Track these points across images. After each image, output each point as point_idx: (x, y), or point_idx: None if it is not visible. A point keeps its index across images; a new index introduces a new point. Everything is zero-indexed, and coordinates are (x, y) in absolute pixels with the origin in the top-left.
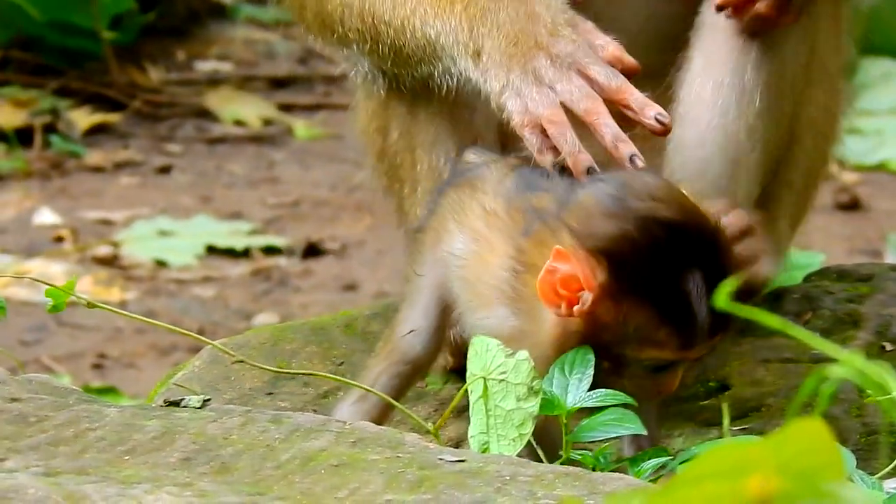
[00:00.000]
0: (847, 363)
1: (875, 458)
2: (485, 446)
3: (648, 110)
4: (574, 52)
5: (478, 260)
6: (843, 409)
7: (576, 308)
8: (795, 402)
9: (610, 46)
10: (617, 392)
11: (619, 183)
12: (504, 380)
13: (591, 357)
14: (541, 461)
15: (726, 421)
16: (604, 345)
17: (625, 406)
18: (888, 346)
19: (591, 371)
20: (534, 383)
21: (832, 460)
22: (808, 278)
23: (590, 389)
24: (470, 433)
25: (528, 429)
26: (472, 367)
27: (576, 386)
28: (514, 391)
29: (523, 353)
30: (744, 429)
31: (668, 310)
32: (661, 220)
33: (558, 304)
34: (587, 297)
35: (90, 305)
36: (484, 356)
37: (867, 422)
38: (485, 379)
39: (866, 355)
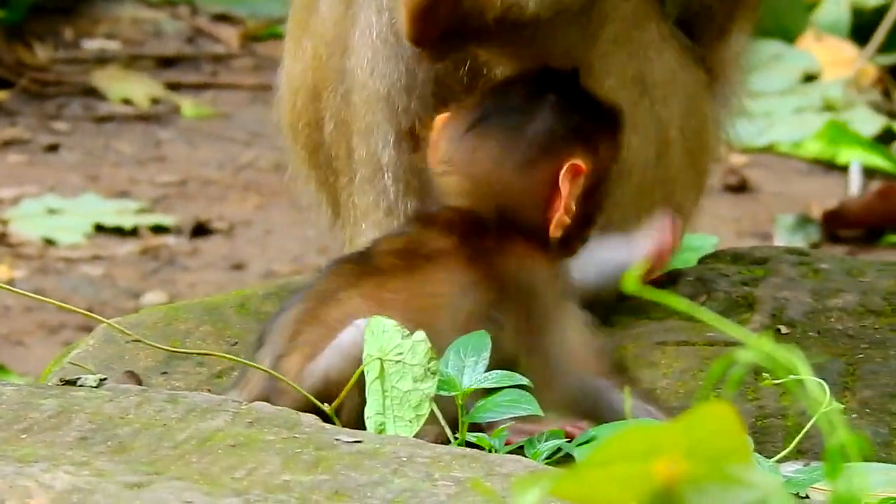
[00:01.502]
0: (755, 346)
1: (771, 442)
2: (381, 427)
3: None
4: None
5: None
6: (738, 393)
7: (572, 202)
8: (704, 385)
9: None
10: (513, 373)
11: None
12: (401, 361)
13: (488, 340)
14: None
15: (628, 404)
16: (589, 217)
17: (521, 387)
18: (783, 329)
19: (487, 354)
20: (430, 364)
21: (738, 444)
22: (702, 261)
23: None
24: (367, 414)
25: (425, 410)
26: (369, 347)
27: (472, 368)
28: (411, 372)
29: (420, 334)
30: None
31: (606, 124)
32: (548, 79)
33: (563, 224)
34: (580, 182)
35: None
36: (380, 337)
37: (762, 405)
38: (381, 360)
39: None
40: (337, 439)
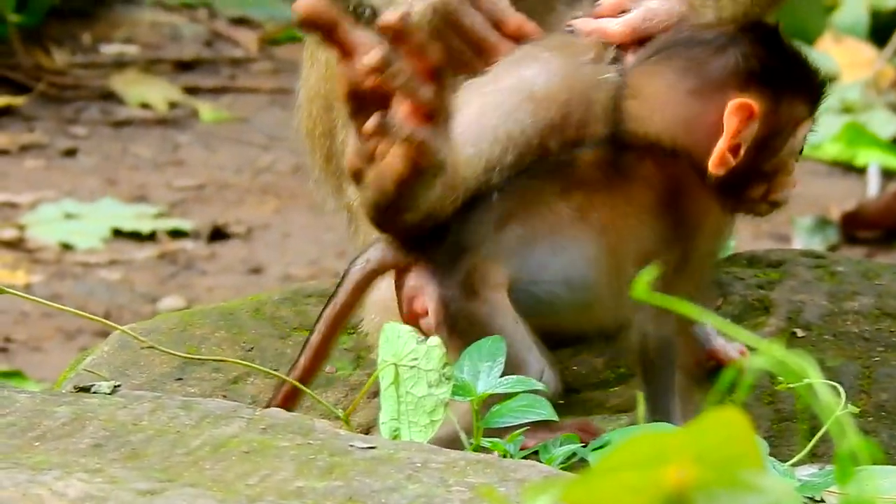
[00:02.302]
0: (766, 352)
1: (787, 446)
2: (396, 433)
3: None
4: None
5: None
6: (754, 397)
7: (741, 146)
8: (714, 391)
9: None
10: (528, 379)
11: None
12: (415, 366)
13: (503, 345)
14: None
15: (640, 408)
16: (755, 168)
17: (536, 392)
18: (799, 333)
19: (502, 359)
20: (445, 370)
21: (750, 449)
22: (718, 264)
23: None
24: (381, 420)
25: (440, 416)
26: (384, 353)
27: (487, 373)
28: (426, 378)
29: (434, 339)
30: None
31: (800, 84)
32: (747, 28)
33: (728, 162)
34: (751, 129)
35: None
36: (395, 342)
37: (779, 408)
38: (396, 365)
39: (778, 342)
40: (351, 445)
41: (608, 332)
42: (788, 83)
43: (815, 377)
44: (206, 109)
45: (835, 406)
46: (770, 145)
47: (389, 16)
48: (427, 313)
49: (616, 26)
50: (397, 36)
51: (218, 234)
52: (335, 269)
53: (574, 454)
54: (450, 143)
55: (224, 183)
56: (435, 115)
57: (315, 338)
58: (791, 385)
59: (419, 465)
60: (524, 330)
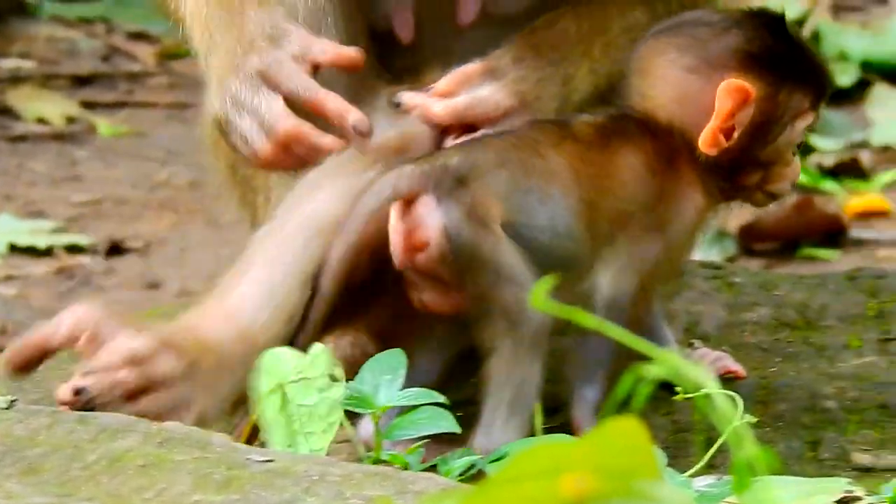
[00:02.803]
0: (663, 361)
1: (685, 456)
2: (293, 448)
3: (346, 117)
4: (265, 68)
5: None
6: (652, 407)
7: (735, 129)
8: (611, 400)
9: (326, 49)
10: (430, 391)
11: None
12: (302, 378)
13: (404, 359)
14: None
15: (538, 419)
16: (751, 154)
17: (438, 405)
18: (697, 343)
19: (403, 371)
20: (334, 371)
21: (647, 460)
22: None
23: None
24: (271, 446)
25: (337, 417)
26: (266, 383)
27: (387, 385)
28: (315, 385)
29: (318, 347)
30: (552, 427)
31: (804, 76)
32: (754, 14)
33: (720, 143)
34: (747, 113)
35: None
36: (275, 368)
37: (676, 419)
38: (282, 387)
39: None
40: (248, 458)
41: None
42: (790, 72)
43: (712, 387)
44: (104, 124)
45: (732, 416)
46: (766, 132)
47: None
48: (426, 246)
49: (439, 108)
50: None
51: (115, 249)
52: None
53: (473, 466)
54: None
55: (121, 198)
56: None
57: (326, 282)
58: (688, 396)
59: (316, 477)
60: (525, 266)
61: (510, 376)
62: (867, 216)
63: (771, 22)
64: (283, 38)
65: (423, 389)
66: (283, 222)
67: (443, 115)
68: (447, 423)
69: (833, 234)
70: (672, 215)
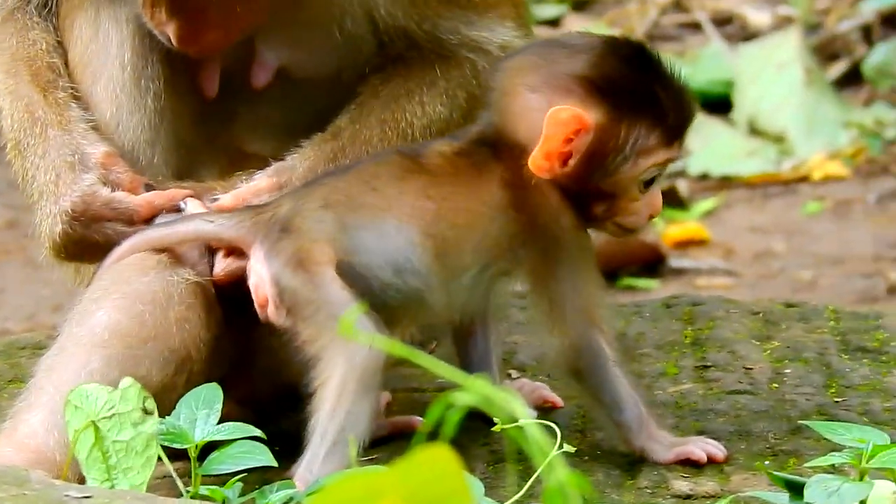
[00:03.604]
0: (473, 388)
1: (502, 486)
2: (112, 485)
3: (177, 198)
4: (78, 205)
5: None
6: (470, 437)
7: (572, 156)
8: (422, 428)
9: (122, 177)
10: (246, 425)
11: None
12: (114, 414)
13: (220, 393)
14: None
15: (353, 450)
16: (592, 183)
17: (254, 439)
18: (514, 374)
19: (219, 406)
20: (146, 404)
21: (459, 487)
22: None
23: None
24: (89, 482)
25: (154, 450)
26: (76, 420)
27: (204, 420)
28: (129, 419)
29: (127, 380)
30: (371, 459)
31: (655, 111)
32: (613, 42)
33: (551, 165)
34: (583, 141)
35: None
36: (85, 404)
37: (494, 449)
38: (94, 424)
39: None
40: (66, 495)
41: (445, 323)
42: (634, 105)
43: (526, 417)
44: None
45: (548, 447)
46: (603, 163)
47: None
48: (266, 299)
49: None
50: None
51: None
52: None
53: (291, 498)
54: None
55: None
56: None
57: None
58: (505, 427)
59: None
60: (351, 297)
61: (335, 411)
62: (686, 245)
63: (629, 52)
64: (85, 164)
65: (240, 423)
66: (66, 342)
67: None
68: (264, 457)
69: (652, 263)
70: (551, 244)
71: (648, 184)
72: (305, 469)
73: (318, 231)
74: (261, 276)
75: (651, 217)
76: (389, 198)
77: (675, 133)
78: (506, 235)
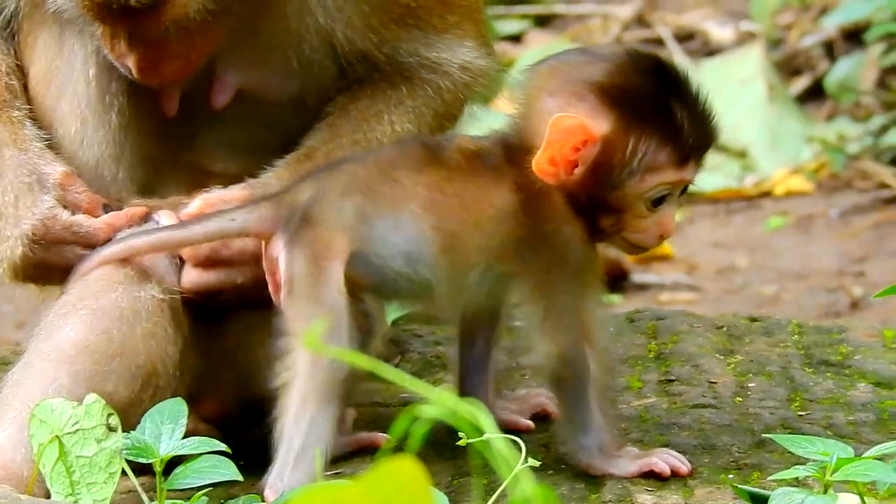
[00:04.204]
0: (438, 402)
1: (467, 500)
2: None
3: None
4: (39, 229)
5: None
6: (435, 451)
7: (578, 165)
8: (388, 442)
9: (80, 198)
10: (211, 440)
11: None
12: (78, 429)
13: (185, 408)
14: None
15: (318, 463)
16: (599, 196)
17: (220, 453)
18: None
19: (184, 420)
20: (109, 421)
21: (423, 500)
22: (395, 322)
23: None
24: (54, 497)
25: (117, 466)
26: (40, 435)
27: (169, 434)
28: (93, 435)
29: (91, 397)
30: (336, 473)
31: (667, 129)
32: (636, 55)
33: (556, 172)
34: (590, 151)
35: None
36: (50, 419)
37: (460, 463)
38: (59, 439)
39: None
40: None
41: (450, 316)
42: (645, 120)
43: (491, 430)
44: None
45: (513, 460)
46: (608, 176)
47: None
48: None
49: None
50: None
51: None
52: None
53: None
54: None
55: None
56: None
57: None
58: (471, 441)
59: None
60: (344, 303)
61: (299, 419)
62: (649, 260)
63: (649, 66)
64: (43, 185)
65: (205, 438)
66: (33, 357)
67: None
68: (229, 472)
69: (615, 278)
70: (554, 252)
71: (658, 203)
72: (276, 478)
73: (337, 220)
74: (279, 264)
75: (662, 238)
76: (406, 188)
77: (687, 153)
78: (513, 239)
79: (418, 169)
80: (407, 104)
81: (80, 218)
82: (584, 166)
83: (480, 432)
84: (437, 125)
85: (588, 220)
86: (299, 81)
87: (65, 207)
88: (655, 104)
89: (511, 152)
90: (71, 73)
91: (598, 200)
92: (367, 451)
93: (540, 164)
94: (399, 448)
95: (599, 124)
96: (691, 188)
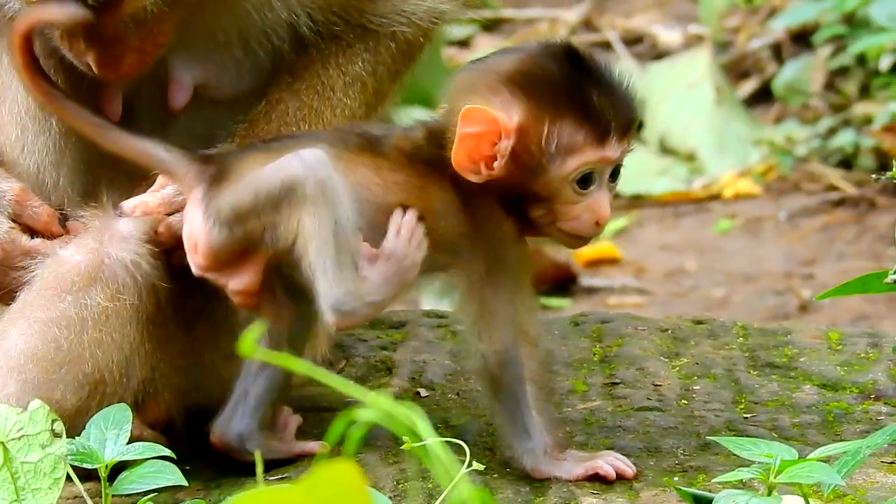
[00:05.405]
0: (374, 405)
1: None
2: None
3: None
4: None
5: None
6: (378, 456)
7: (497, 159)
8: (324, 445)
9: (38, 215)
10: (156, 445)
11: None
12: (23, 435)
13: (130, 413)
14: None
15: (259, 468)
16: (526, 187)
17: (165, 458)
18: (423, 392)
19: (129, 426)
20: (54, 427)
21: (361, 501)
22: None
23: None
24: None
25: (62, 471)
26: None
27: (114, 440)
28: (37, 441)
29: (35, 403)
30: (281, 478)
31: (581, 109)
32: (548, 44)
33: (477, 168)
34: (506, 143)
35: None
36: None
37: (403, 468)
38: (3, 445)
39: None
40: None
41: None
42: (558, 104)
43: (430, 434)
44: None
45: (456, 464)
46: (530, 163)
47: None
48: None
49: (154, 201)
50: None
51: None
52: None
53: None
54: None
55: None
56: None
57: None
58: (414, 445)
59: None
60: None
61: (323, 247)
62: (597, 264)
63: (559, 52)
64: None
65: (150, 443)
66: None
67: (158, 206)
68: (174, 477)
69: (563, 282)
70: (493, 247)
71: (585, 185)
72: (337, 300)
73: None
74: (194, 222)
75: (597, 224)
76: (344, 163)
77: (606, 131)
78: (451, 234)
79: (356, 151)
80: (358, 49)
81: (38, 243)
82: (504, 159)
83: (418, 432)
84: (395, 69)
85: (519, 214)
86: (255, 76)
87: (23, 226)
88: (567, 87)
89: (443, 151)
90: (10, 79)
91: (525, 191)
92: (312, 457)
93: (458, 159)
94: (337, 452)
95: (511, 115)
96: (640, 191)
